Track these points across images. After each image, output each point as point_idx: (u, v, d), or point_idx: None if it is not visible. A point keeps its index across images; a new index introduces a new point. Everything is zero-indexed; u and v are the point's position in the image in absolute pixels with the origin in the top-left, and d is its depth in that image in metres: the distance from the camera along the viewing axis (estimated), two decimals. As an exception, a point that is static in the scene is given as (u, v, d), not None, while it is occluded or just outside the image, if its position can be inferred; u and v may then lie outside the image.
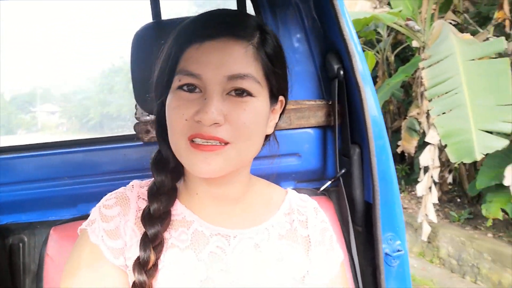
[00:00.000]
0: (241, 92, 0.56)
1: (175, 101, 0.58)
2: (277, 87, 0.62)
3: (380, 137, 0.90)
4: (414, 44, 3.77)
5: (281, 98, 0.66)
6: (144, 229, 0.61)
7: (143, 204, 0.65)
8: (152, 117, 1.00)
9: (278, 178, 1.04)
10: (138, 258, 0.59)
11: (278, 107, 0.67)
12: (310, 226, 0.72)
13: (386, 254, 0.91)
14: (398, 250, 0.92)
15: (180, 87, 0.57)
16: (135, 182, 0.70)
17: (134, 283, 0.58)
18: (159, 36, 0.89)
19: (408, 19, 3.63)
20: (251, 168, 0.71)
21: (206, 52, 0.56)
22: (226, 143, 0.56)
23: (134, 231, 0.63)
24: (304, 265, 0.68)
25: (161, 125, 0.65)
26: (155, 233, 0.60)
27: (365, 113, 0.87)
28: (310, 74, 1.06)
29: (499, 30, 3.63)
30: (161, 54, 0.63)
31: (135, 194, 0.67)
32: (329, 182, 1.07)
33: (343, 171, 1.02)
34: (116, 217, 0.63)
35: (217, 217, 0.67)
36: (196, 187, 0.67)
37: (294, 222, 0.71)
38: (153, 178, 0.67)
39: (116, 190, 0.68)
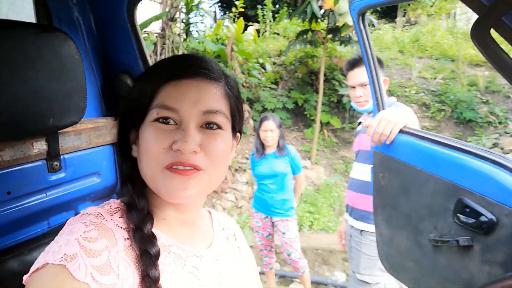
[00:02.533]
0: (213, 126, 0.66)
1: (152, 132, 0.63)
2: (238, 123, 0.74)
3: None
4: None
5: (238, 135, 0.77)
6: (135, 256, 0.60)
7: (124, 232, 0.62)
8: None
9: (78, 200, 1.00)
10: (148, 277, 0.58)
11: (235, 143, 0.77)
12: (238, 238, 0.88)
13: None
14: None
15: (157, 120, 0.63)
16: (98, 210, 0.63)
17: None
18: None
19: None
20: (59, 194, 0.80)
21: (184, 89, 0.63)
22: (200, 170, 0.64)
23: (126, 261, 0.59)
24: (245, 271, 0.83)
25: (126, 155, 0.69)
26: (157, 250, 0.61)
27: None
28: (95, 93, 1.06)
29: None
30: (133, 90, 0.67)
31: (113, 223, 0.62)
32: (115, 196, 1.12)
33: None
34: (105, 250, 0.56)
35: (186, 240, 0.71)
36: (163, 212, 0.69)
37: (229, 237, 0.85)
38: (109, 204, 0.65)
39: (88, 220, 0.59)
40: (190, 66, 0.66)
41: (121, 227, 0.62)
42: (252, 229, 3.50)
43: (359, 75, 2.10)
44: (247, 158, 6.25)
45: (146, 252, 0.60)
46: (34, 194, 0.85)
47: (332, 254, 4.59)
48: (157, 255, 0.60)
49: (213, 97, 0.65)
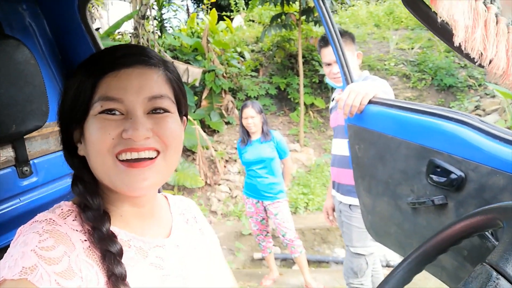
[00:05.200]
0: (160, 110, 0.65)
1: (98, 124, 0.61)
2: (183, 106, 0.74)
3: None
4: None
5: (184, 118, 0.76)
6: (96, 256, 0.60)
7: (80, 235, 0.60)
8: None
9: (54, 203, 1.02)
10: (115, 276, 0.58)
11: (182, 127, 0.76)
12: (199, 221, 0.88)
13: None
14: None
15: (102, 112, 0.61)
16: (48, 215, 0.61)
17: None
18: None
19: None
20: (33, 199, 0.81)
21: (125, 79, 0.62)
22: (158, 152, 0.63)
23: (88, 263, 0.58)
24: (208, 252, 0.83)
25: (73, 157, 0.67)
26: (120, 248, 0.61)
27: None
28: (58, 96, 1.05)
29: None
30: (69, 89, 0.64)
31: (67, 227, 0.60)
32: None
33: None
34: (64, 256, 0.56)
35: (146, 232, 0.71)
36: (118, 209, 0.68)
37: (189, 220, 0.84)
38: (60, 208, 0.63)
39: (41, 229, 0.57)
40: (128, 55, 0.65)
41: (77, 230, 0.61)
42: (247, 215, 3.53)
43: None
44: (236, 148, 6.27)
45: (108, 252, 0.59)
46: (6, 201, 0.85)
47: (330, 232, 4.66)
48: (120, 253, 0.60)
49: (155, 83, 0.65)
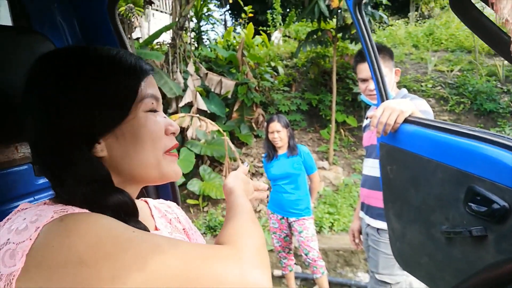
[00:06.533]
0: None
1: (152, 120, 0.66)
2: None
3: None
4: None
5: None
6: None
7: None
8: None
9: None
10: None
11: None
12: (183, 221, 0.86)
13: None
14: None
15: (149, 110, 0.66)
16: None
17: None
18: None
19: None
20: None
21: (154, 82, 0.70)
22: None
23: None
24: None
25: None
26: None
27: None
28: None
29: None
30: (102, 90, 0.62)
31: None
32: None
33: None
34: None
35: None
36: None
37: (172, 221, 0.83)
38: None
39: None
40: (145, 63, 0.70)
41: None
42: (269, 231, 3.46)
43: None
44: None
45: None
46: (21, 198, 0.84)
47: (354, 255, 4.50)
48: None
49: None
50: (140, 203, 0.80)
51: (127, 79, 0.65)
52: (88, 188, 0.59)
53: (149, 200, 0.85)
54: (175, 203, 0.89)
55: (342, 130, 6.86)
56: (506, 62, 7.07)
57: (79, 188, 0.59)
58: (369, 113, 2.25)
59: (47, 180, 0.81)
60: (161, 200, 0.89)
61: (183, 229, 0.84)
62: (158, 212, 0.83)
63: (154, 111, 0.67)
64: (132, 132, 0.64)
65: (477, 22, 0.65)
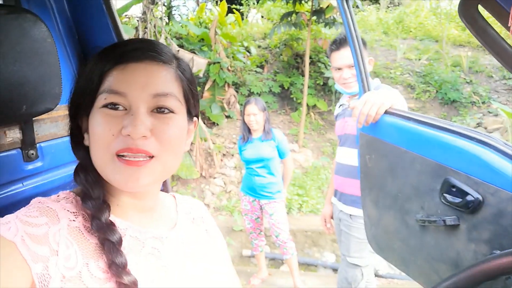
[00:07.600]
0: (164, 110, 0.63)
1: (100, 118, 0.60)
2: (193, 107, 0.71)
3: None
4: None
5: (195, 119, 0.74)
6: (81, 237, 0.59)
7: (70, 215, 0.61)
8: None
9: (58, 189, 0.98)
10: (115, 265, 0.58)
11: (193, 127, 0.74)
12: (206, 221, 0.86)
13: None
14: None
15: (105, 106, 0.60)
16: (42, 199, 0.62)
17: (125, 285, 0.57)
18: None
19: None
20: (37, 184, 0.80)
21: (132, 73, 0.61)
22: (151, 157, 0.61)
23: (69, 241, 0.58)
24: (213, 252, 0.81)
25: (78, 146, 0.67)
26: (119, 237, 0.60)
27: None
28: (71, 78, 1.01)
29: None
30: (80, 77, 0.65)
31: (59, 206, 0.61)
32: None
33: None
34: (44, 225, 0.56)
35: (144, 224, 0.70)
36: (117, 198, 0.68)
37: (195, 219, 0.82)
38: (57, 195, 0.64)
39: (30, 205, 0.60)
40: (137, 49, 0.63)
41: (68, 211, 0.61)
42: (241, 212, 3.51)
43: (346, 56, 2.07)
44: (235, 143, 6.23)
45: (107, 240, 0.59)
46: (9, 184, 0.81)
47: (321, 236, 4.65)
48: (119, 242, 0.60)
49: (163, 80, 0.63)
50: (166, 197, 0.80)
51: (92, 69, 0.63)
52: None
53: (178, 196, 0.84)
54: (202, 203, 0.89)
55: (312, 114, 6.96)
56: (470, 53, 7.38)
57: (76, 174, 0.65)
58: (343, 102, 2.30)
59: (36, 166, 0.79)
60: (190, 198, 0.88)
61: (206, 229, 0.83)
62: (183, 209, 0.81)
63: (110, 107, 0.60)
64: (90, 127, 0.63)
65: (483, 32, 0.68)
